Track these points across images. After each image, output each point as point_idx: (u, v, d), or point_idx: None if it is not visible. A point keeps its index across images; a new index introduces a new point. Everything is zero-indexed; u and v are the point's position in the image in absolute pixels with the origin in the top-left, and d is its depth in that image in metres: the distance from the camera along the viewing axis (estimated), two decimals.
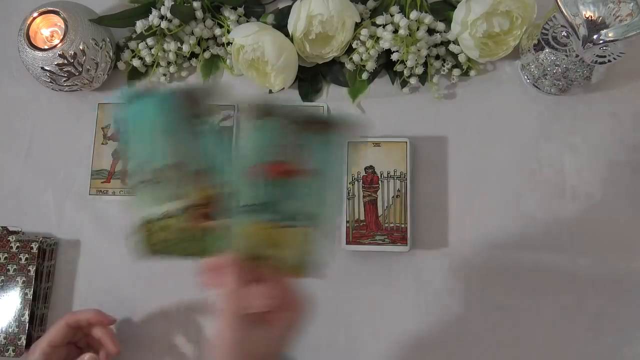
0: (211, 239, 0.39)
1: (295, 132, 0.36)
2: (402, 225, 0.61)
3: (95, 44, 0.66)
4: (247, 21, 0.68)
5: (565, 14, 0.52)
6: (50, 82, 0.66)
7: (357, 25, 0.63)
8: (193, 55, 0.70)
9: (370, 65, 0.64)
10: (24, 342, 0.62)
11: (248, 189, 0.37)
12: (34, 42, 0.64)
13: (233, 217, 0.38)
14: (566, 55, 0.58)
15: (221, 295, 0.39)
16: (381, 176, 0.62)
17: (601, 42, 0.52)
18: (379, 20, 0.63)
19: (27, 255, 0.64)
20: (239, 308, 0.39)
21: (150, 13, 0.65)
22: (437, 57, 0.66)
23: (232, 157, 0.37)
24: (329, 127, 0.36)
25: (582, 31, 0.52)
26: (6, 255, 0.64)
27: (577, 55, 0.57)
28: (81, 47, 0.64)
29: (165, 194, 0.38)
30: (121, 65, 0.70)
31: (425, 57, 0.64)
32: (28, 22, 0.65)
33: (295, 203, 0.38)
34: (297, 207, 0.38)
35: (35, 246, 0.64)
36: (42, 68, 0.64)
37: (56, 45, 0.64)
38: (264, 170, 0.37)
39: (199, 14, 0.66)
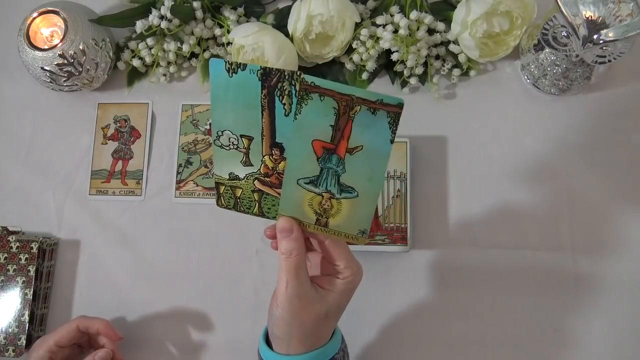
0: (269, 204, 0.46)
1: (350, 110, 0.39)
2: (402, 225, 0.61)
3: (95, 44, 0.66)
4: (247, 21, 0.68)
5: (565, 14, 0.52)
6: (50, 82, 0.66)
7: (357, 25, 0.63)
8: (193, 55, 0.70)
9: (370, 65, 0.64)
10: (24, 342, 0.62)
11: (306, 164, 0.42)
12: (33, 42, 0.64)
13: (293, 187, 0.43)
14: (566, 55, 0.58)
15: (286, 254, 0.44)
16: None
17: (601, 42, 0.52)
18: (379, 20, 0.62)
19: (27, 255, 0.64)
20: (300, 265, 0.44)
21: (150, 13, 0.65)
22: (437, 57, 0.66)
23: (293, 133, 0.41)
24: (378, 106, 0.39)
25: (582, 31, 0.52)
26: (6, 255, 0.64)
27: (577, 55, 0.57)
28: (81, 47, 0.64)
29: (238, 159, 0.45)
30: (121, 65, 0.70)
31: (425, 57, 0.64)
32: (28, 22, 0.65)
33: (349, 177, 0.42)
34: (350, 180, 0.43)
35: (35, 246, 0.64)
36: (42, 68, 0.64)
37: (56, 45, 0.64)
38: (321, 147, 0.41)
39: (199, 14, 0.66)
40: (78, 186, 0.69)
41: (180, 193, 0.67)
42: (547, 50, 0.59)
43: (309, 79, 0.39)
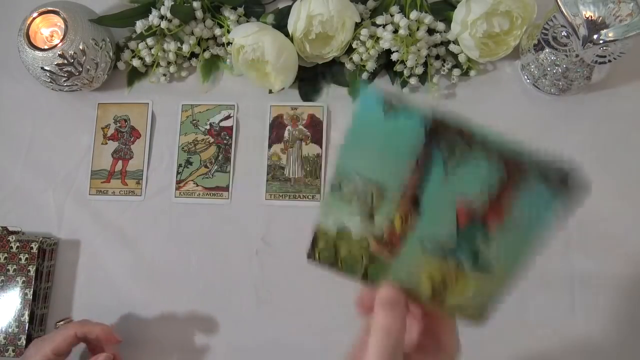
0: (378, 269, 0.37)
1: (512, 174, 0.31)
2: None
3: (95, 44, 0.66)
4: (247, 21, 0.68)
5: (565, 14, 0.52)
6: (50, 82, 0.66)
7: (357, 25, 0.63)
8: (193, 55, 0.70)
9: (370, 65, 0.64)
10: (24, 342, 0.62)
11: (443, 229, 0.34)
12: (33, 42, 0.64)
13: (417, 251, 0.35)
14: (566, 55, 0.58)
15: (384, 331, 0.35)
16: None
17: (601, 42, 0.52)
18: (379, 20, 0.62)
19: (27, 255, 0.64)
20: (398, 346, 0.36)
21: (150, 13, 0.65)
22: (437, 57, 0.66)
23: (438, 190, 0.33)
24: (551, 174, 0.31)
25: (582, 31, 0.52)
26: (6, 255, 0.64)
27: (577, 55, 0.57)
28: (81, 47, 0.64)
29: (357, 209, 0.35)
30: (121, 65, 0.70)
31: (425, 57, 0.64)
32: (28, 22, 0.65)
33: (488, 252, 0.34)
34: (488, 256, 0.34)
35: (35, 246, 0.64)
36: (42, 68, 0.64)
37: (56, 45, 0.64)
38: (466, 215, 0.33)
39: (199, 14, 0.66)
40: (78, 186, 0.69)
41: (180, 193, 0.67)
42: (547, 50, 0.59)
43: (480, 132, 0.32)
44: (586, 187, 0.31)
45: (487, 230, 0.33)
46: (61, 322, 0.59)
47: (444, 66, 0.65)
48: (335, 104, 0.68)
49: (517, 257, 0.34)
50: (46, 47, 0.64)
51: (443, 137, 0.32)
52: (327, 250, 0.38)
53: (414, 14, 0.61)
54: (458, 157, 0.31)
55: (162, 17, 0.65)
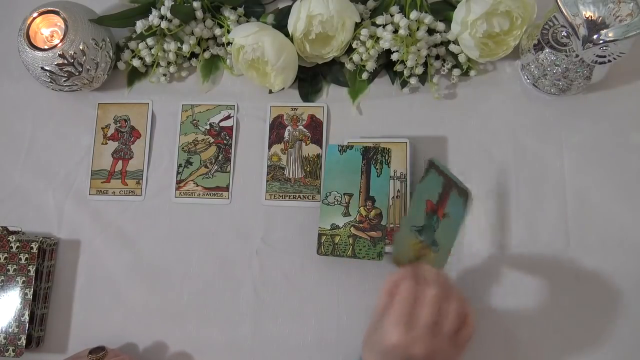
0: (360, 246, 0.58)
1: (447, 187, 0.53)
2: None
3: (95, 44, 0.66)
4: (247, 21, 0.68)
5: (565, 14, 0.52)
6: (50, 82, 0.66)
7: (357, 25, 0.63)
8: (193, 55, 0.70)
9: (370, 65, 0.64)
10: (24, 342, 0.62)
11: (418, 215, 0.52)
12: (34, 42, 0.64)
13: (405, 233, 0.51)
14: (566, 55, 0.58)
15: (400, 302, 0.46)
16: None
17: (601, 42, 0.52)
18: (379, 20, 0.62)
19: (27, 255, 0.64)
20: (411, 313, 0.45)
21: (150, 13, 0.65)
22: (437, 57, 0.66)
23: (415, 194, 0.52)
24: (461, 192, 0.54)
25: (582, 31, 0.52)
26: (6, 255, 0.64)
27: (577, 55, 0.57)
28: (81, 47, 0.64)
29: (339, 212, 0.59)
30: (121, 65, 0.70)
31: (425, 57, 0.64)
32: (28, 22, 0.65)
33: (437, 234, 0.53)
34: (437, 237, 0.53)
35: (35, 246, 0.64)
36: (42, 68, 0.64)
37: (56, 45, 0.64)
38: (430, 205, 0.52)
39: (199, 14, 0.66)
40: (78, 186, 0.69)
41: (180, 193, 0.67)
42: (547, 50, 0.59)
43: (435, 161, 0.52)
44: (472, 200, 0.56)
45: (438, 218, 0.53)
46: (95, 356, 0.58)
47: (444, 66, 0.65)
48: (335, 104, 0.68)
49: (450, 238, 0.55)
50: (46, 47, 0.64)
51: (372, 156, 0.59)
52: (327, 243, 0.59)
53: (414, 14, 0.61)
54: (425, 170, 0.51)
55: (162, 17, 0.65)
